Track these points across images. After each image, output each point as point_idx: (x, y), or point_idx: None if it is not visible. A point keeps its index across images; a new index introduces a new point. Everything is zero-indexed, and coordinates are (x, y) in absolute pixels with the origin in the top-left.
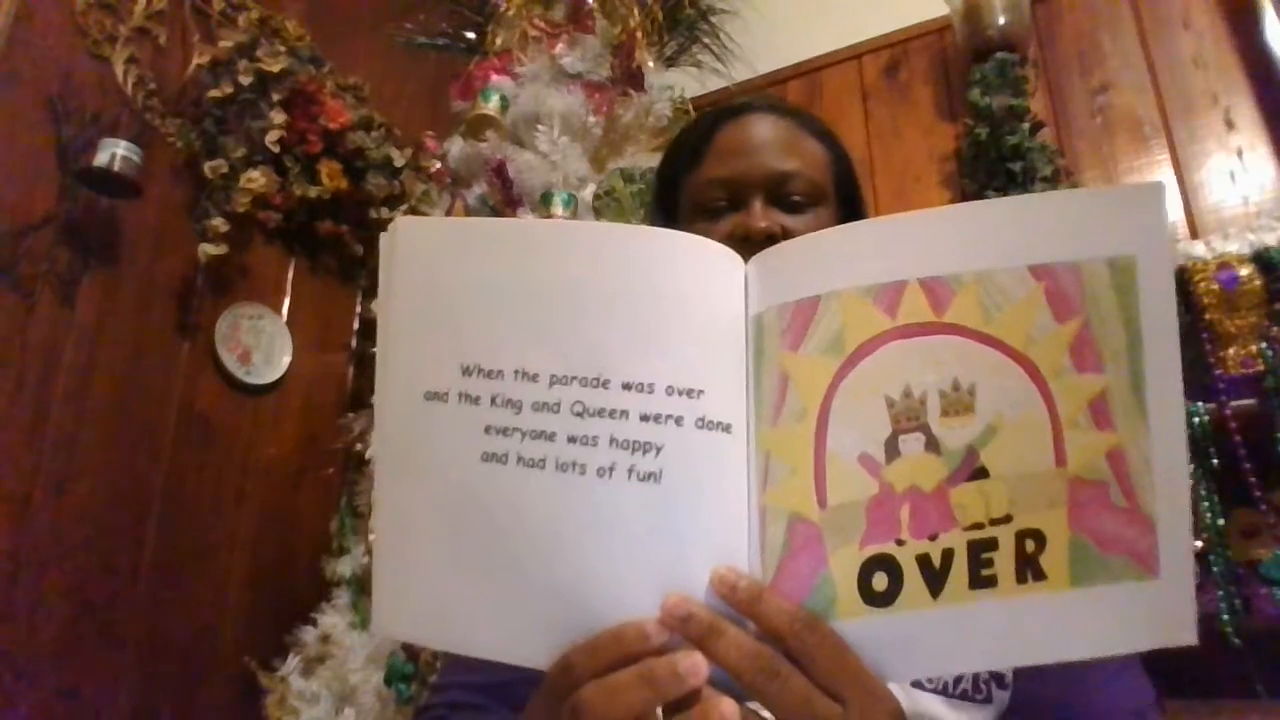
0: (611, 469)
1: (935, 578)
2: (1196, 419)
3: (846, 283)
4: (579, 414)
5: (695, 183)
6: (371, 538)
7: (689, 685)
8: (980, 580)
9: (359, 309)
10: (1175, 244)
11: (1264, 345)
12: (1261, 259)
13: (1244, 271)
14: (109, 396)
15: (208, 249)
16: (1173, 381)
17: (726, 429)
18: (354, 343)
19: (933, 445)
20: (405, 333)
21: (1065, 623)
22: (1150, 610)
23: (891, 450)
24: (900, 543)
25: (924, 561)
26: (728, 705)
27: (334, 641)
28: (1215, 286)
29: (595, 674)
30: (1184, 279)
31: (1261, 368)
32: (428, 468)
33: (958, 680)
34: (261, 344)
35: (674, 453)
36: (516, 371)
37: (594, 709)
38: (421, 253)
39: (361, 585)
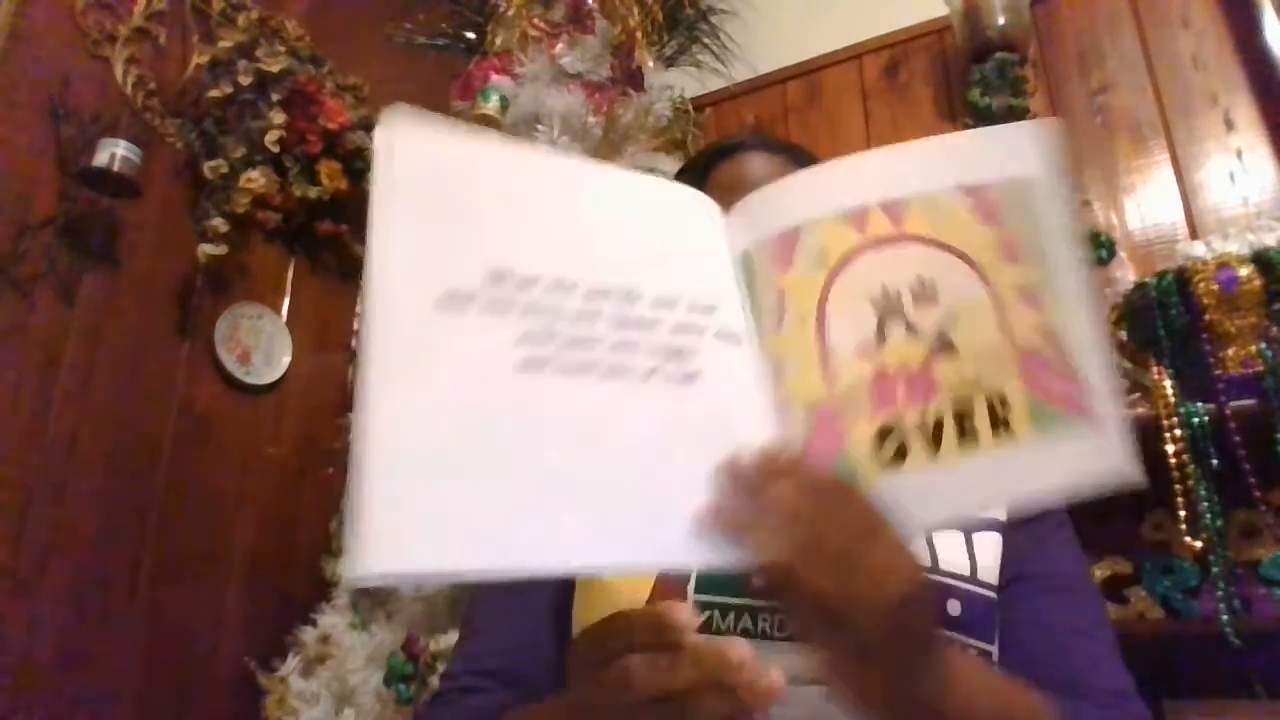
0: (653, 373)
1: (932, 440)
2: (1196, 419)
3: (821, 212)
4: (617, 324)
5: None
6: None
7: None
8: (965, 438)
9: (359, 309)
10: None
11: (1264, 345)
12: (1261, 259)
13: (1244, 271)
14: (109, 396)
15: (207, 249)
16: (1076, 272)
17: (738, 341)
18: (354, 343)
19: (911, 331)
20: (411, 237)
21: (1036, 469)
22: (1098, 454)
23: (880, 338)
24: (900, 414)
25: (922, 427)
26: (775, 672)
27: (334, 642)
28: (1215, 287)
29: (633, 649)
30: (1184, 279)
31: (1261, 368)
32: (443, 379)
33: None
34: (261, 344)
35: (704, 358)
36: (555, 281)
37: (641, 680)
38: (432, 158)
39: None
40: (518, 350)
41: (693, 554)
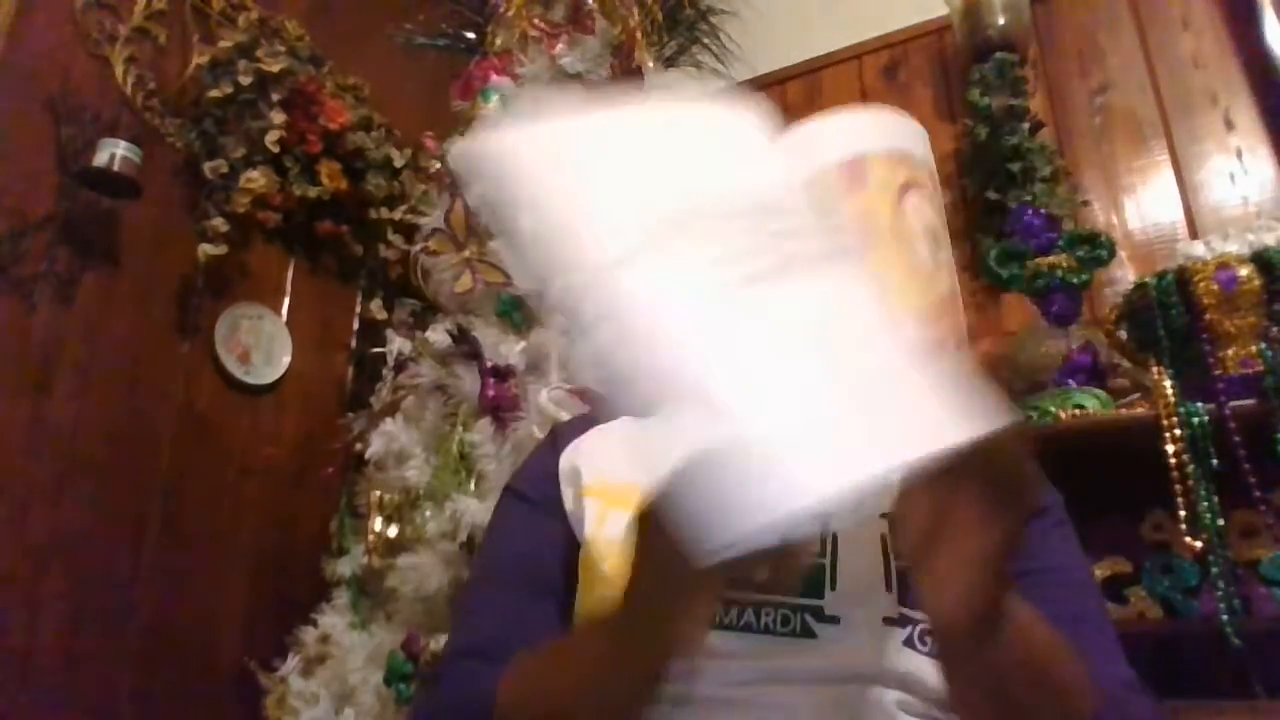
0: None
1: None
2: (1196, 419)
3: (874, 147)
4: (759, 246)
5: None
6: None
7: None
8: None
9: (359, 309)
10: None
11: (1263, 345)
12: (1261, 259)
13: (1243, 271)
14: (109, 396)
15: (207, 249)
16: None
17: (840, 256)
18: (354, 343)
19: (943, 263)
20: (566, 210)
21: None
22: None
23: (935, 264)
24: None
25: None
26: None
27: (334, 641)
28: (1215, 286)
29: None
30: (1184, 279)
31: (1261, 368)
32: (678, 309)
33: None
34: (261, 344)
35: (832, 269)
36: (715, 212)
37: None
38: (532, 148)
39: (361, 585)
40: (719, 273)
41: (963, 431)
